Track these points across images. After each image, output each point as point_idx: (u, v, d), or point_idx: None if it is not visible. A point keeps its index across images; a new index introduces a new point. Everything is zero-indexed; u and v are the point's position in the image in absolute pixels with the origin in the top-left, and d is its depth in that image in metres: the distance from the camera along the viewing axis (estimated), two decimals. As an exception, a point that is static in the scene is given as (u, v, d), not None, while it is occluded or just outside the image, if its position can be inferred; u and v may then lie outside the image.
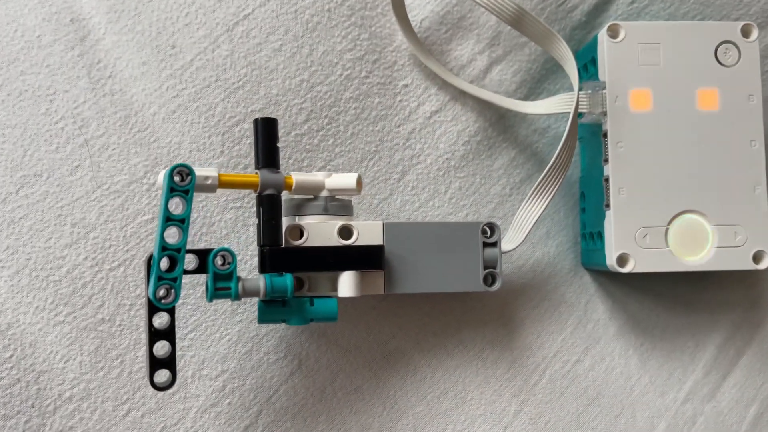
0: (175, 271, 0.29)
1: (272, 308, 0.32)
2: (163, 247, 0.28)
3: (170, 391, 0.36)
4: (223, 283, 0.30)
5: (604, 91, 0.35)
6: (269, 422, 0.37)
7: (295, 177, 0.32)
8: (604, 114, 0.35)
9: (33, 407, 0.35)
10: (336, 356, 0.37)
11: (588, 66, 0.38)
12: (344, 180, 0.33)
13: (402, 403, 0.38)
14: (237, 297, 0.30)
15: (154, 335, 0.30)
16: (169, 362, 0.31)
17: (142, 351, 0.36)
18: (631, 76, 0.35)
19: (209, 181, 0.30)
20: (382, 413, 0.38)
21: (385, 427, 0.38)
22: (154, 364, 0.30)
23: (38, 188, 0.36)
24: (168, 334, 0.31)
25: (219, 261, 0.30)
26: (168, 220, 0.29)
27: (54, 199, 0.36)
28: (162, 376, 0.31)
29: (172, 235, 0.30)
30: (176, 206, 0.29)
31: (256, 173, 0.31)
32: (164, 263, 0.29)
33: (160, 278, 0.28)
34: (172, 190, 0.29)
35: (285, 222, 0.33)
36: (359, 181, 0.33)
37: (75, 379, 0.35)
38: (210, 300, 0.30)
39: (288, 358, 0.37)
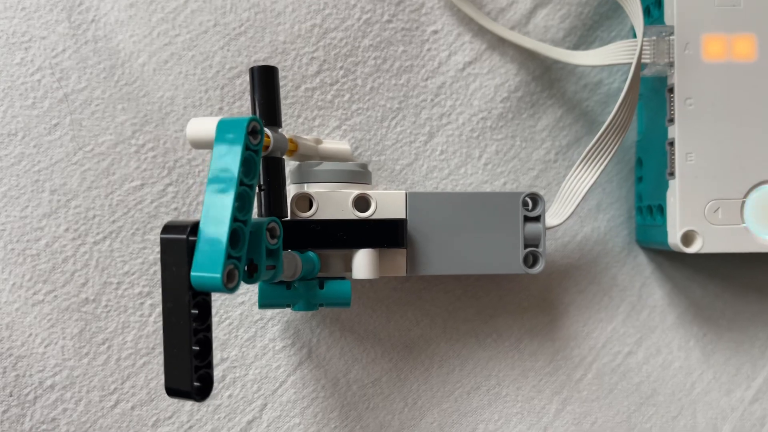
0: (242, 249, 0.24)
1: (275, 291, 0.29)
2: (235, 218, 0.24)
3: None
4: (269, 261, 0.26)
5: (671, 37, 0.32)
6: (275, 417, 0.34)
7: (298, 141, 0.30)
8: (671, 65, 0.32)
9: (11, 396, 0.33)
10: (351, 344, 0.35)
11: (651, 8, 0.34)
12: (338, 147, 0.31)
13: (426, 399, 0.35)
14: (278, 277, 0.27)
15: (195, 332, 0.24)
16: (209, 363, 0.25)
17: (131, 336, 0.33)
18: (705, 19, 0.32)
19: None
20: (403, 410, 0.35)
21: (406, 426, 0.35)
22: (197, 368, 0.24)
23: (12, 149, 0.33)
24: (206, 329, 0.25)
25: (268, 234, 0.26)
26: (241, 184, 0.24)
27: (30, 161, 0.33)
28: (201, 381, 0.25)
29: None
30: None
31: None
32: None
33: (229, 256, 0.23)
34: (246, 147, 0.24)
35: (291, 190, 0.30)
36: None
37: (57, 365, 0.33)
38: (256, 282, 0.26)
39: (296, 345, 0.34)
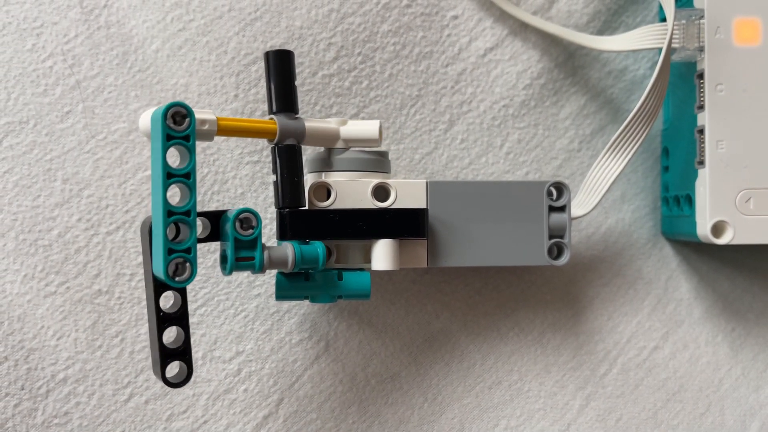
0: (188, 241, 0.24)
1: (293, 283, 0.29)
2: (169, 212, 0.24)
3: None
4: (245, 252, 0.26)
5: (701, 20, 0.31)
6: (292, 412, 0.33)
7: (306, 123, 0.28)
8: (701, 50, 0.31)
9: (23, 389, 0.32)
10: (369, 338, 0.34)
11: (680, -9, 0.34)
12: (363, 128, 0.29)
13: (446, 394, 0.35)
14: (261, 269, 0.26)
15: (163, 320, 0.26)
16: (183, 352, 0.26)
17: (145, 329, 0.33)
18: (737, 2, 0.31)
19: (206, 127, 0.25)
20: (422, 405, 0.34)
21: (426, 421, 0.34)
22: (166, 355, 0.26)
23: (24, 137, 0.32)
24: (180, 318, 0.26)
25: (239, 225, 0.26)
26: (169, 176, 0.24)
27: (42, 150, 0.32)
28: (175, 369, 0.26)
29: (175, 196, 0.25)
30: (175, 158, 0.25)
31: (272, 119, 0.28)
32: (171, 231, 0.24)
33: (170, 251, 0.24)
34: (169, 137, 0.24)
35: (309, 179, 0.30)
36: (380, 131, 0.29)
37: (69, 358, 0.32)
38: (229, 273, 0.26)
39: (313, 338, 0.34)
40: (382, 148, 0.34)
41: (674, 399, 0.36)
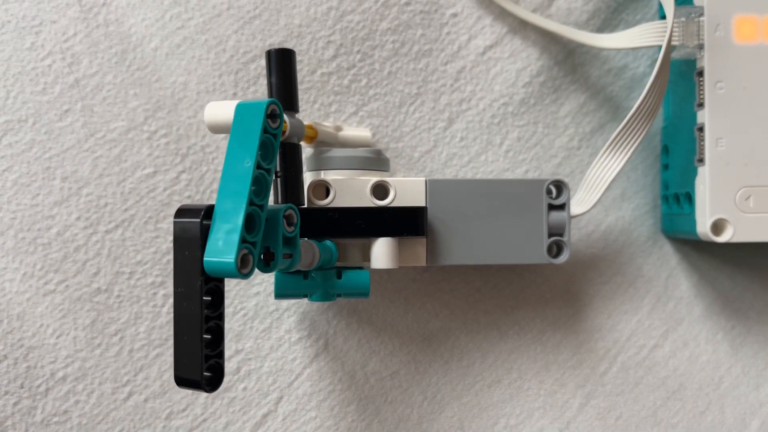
0: (258, 234, 0.24)
1: (292, 281, 0.29)
2: (251, 202, 0.23)
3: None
4: (287, 249, 0.25)
5: (701, 18, 0.31)
6: (291, 410, 0.33)
7: (318, 127, 0.29)
8: (700, 47, 0.31)
9: (22, 387, 0.32)
10: (368, 336, 0.34)
11: (680, -12, 0.33)
12: (358, 134, 0.30)
13: (445, 393, 0.34)
14: (295, 266, 0.26)
15: (207, 320, 0.24)
16: (219, 353, 0.24)
17: (144, 326, 0.32)
18: None
19: None
20: (422, 403, 0.34)
21: (425, 420, 0.34)
22: (208, 357, 0.24)
23: (23, 136, 0.32)
24: (219, 317, 0.24)
25: (285, 222, 0.25)
26: (258, 167, 0.24)
27: (41, 148, 0.32)
28: (210, 372, 0.24)
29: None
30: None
31: None
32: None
33: (244, 241, 0.23)
34: (265, 131, 0.24)
35: (308, 177, 0.30)
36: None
37: (69, 356, 0.32)
38: (273, 270, 0.25)
39: (313, 337, 0.34)
40: (382, 146, 0.34)
41: (674, 397, 0.35)
